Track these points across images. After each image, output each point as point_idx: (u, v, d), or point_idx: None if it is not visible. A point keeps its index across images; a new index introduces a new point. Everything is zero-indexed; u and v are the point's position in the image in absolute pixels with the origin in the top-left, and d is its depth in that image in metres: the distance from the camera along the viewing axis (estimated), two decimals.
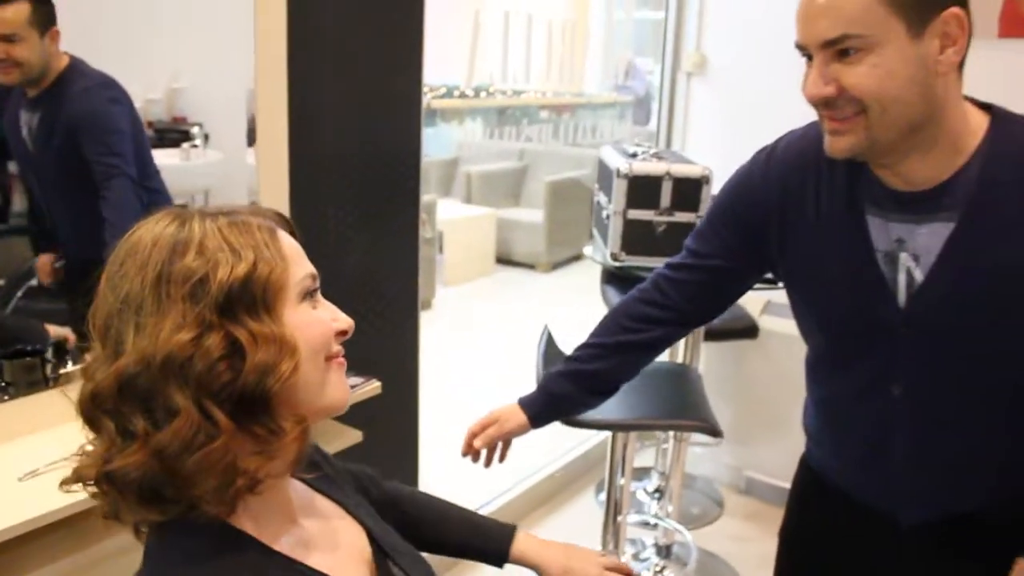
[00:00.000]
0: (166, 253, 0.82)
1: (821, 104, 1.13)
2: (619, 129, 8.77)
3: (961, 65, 1.13)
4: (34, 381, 1.56)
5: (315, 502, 1.01)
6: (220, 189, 1.92)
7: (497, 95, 8.65)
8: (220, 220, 0.85)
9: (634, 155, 2.45)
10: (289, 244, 0.89)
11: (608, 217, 2.42)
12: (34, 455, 1.41)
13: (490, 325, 5.69)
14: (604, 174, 2.56)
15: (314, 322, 0.88)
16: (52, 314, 1.74)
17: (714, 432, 1.91)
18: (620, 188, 2.37)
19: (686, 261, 1.44)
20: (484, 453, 1.54)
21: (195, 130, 1.89)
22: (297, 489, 0.99)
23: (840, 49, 1.09)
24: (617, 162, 2.38)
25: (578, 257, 6.70)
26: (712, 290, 1.44)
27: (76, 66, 1.68)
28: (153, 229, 0.84)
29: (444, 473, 2.41)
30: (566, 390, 1.51)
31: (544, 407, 1.52)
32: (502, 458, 1.56)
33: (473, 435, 1.54)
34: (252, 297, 0.82)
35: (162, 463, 0.80)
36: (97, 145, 1.74)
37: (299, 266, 0.88)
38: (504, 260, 7.19)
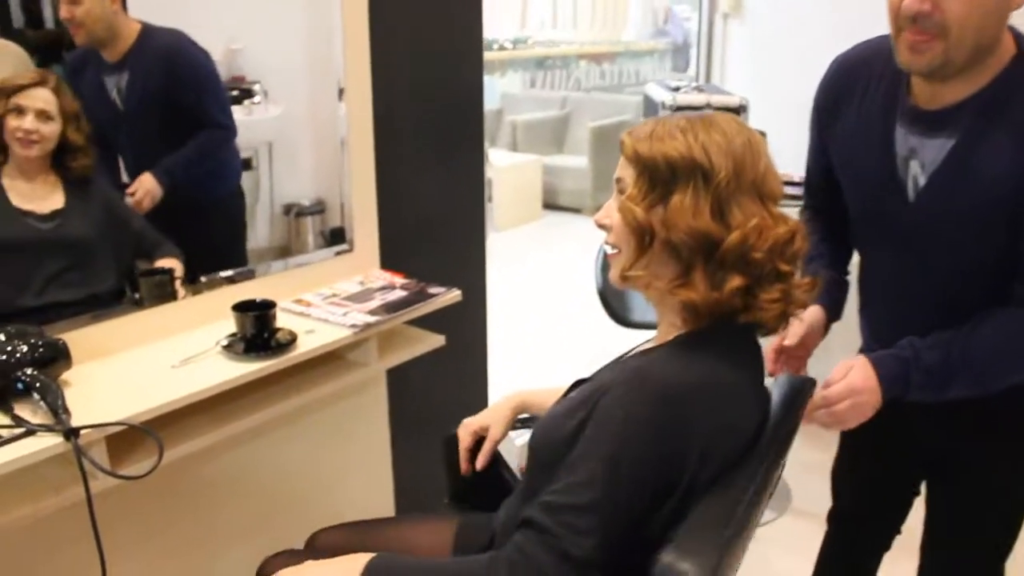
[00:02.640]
0: None
1: (910, 19, 1.23)
2: (658, 76, 8.81)
3: None
4: (164, 295, 1.79)
5: None
6: (281, 141, 2.01)
7: (536, 47, 8.73)
8: None
9: (677, 89, 2.63)
10: None
11: None
12: (178, 349, 1.66)
13: (539, 265, 5.88)
14: (650, 108, 2.74)
15: None
16: None
17: None
18: None
19: (811, 178, 1.69)
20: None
21: (256, 87, 1.96)
22: None
23: None
24: (662, 96, 2.57)
25: None
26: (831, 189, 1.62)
27: (151, 28, 1.76)
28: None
29: (506, 373, 2.70)
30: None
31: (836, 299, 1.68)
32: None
33: (777, 350, 1.61)
34: None
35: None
36: (203, 95, 1.87)
37: None
38: (550, 205, 7.33)
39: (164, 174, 1.82)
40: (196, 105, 1.89)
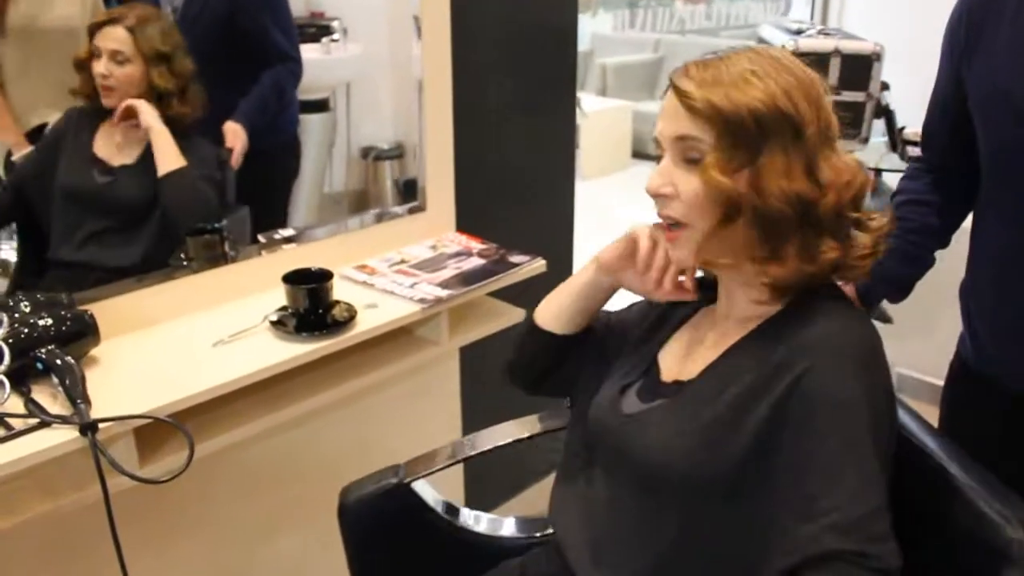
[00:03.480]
0: None
1: None
2: (757, 19, 8.40)
3: None
4: (214, 256, 1.61)
5: None
6: (360, 82, 1.90)
7: None
8: None
9: (799, 32, 2.32)
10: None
11: None
12: (223, 322, 1.47)
13: (626, 219, 5.62)
14: None
15: None
16: None
17: (884, 319, 1.85)
18: None
19: (931, 121, 1.40)
20: None
21: (335, 24, 1.85)
22: None
23: None
24: (782, 39, 2.27)
25: None
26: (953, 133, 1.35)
27: None
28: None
29: None
30: None
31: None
32: None
33: None
34: None
35: None
36: (269, 22, 1.71)
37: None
38: (640, 155, 7.03)
39: (244, 119, 1.68)
40: (262, 34, 1.72)
